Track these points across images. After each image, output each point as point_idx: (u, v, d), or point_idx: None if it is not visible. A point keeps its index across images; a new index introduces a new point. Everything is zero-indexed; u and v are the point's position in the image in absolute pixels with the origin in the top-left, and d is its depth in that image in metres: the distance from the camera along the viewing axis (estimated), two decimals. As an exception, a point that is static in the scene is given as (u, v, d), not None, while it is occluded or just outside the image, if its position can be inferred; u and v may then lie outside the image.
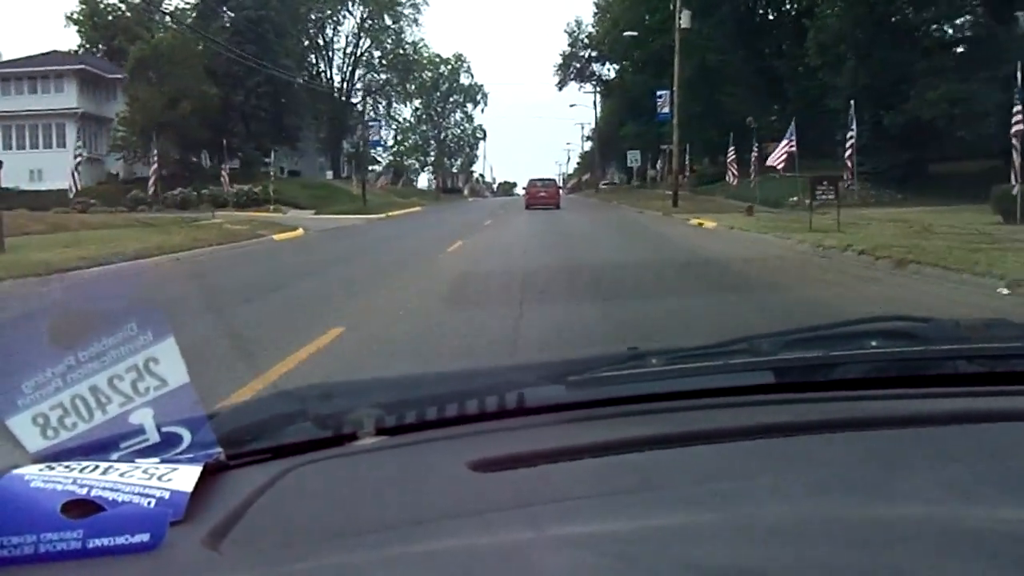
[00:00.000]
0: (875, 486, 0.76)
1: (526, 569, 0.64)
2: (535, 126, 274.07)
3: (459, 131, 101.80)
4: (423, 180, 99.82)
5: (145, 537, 0.69)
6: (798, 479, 0.79)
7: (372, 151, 61.83)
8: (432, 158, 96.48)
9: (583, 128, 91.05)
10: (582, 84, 71.17)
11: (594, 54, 65.83)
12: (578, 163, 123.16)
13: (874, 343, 1.13)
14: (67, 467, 0.75)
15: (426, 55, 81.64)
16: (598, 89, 69.85)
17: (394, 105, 73.61)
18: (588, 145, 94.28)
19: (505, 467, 0.85)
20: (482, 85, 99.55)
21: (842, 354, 1.11)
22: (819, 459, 0.86)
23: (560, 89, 70.94)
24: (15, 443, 0.81)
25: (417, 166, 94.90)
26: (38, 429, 0.82)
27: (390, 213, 34.60)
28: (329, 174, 62.48)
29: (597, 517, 0.71)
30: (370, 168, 63.84)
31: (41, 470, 0.74)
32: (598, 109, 74.37)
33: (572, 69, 69.53)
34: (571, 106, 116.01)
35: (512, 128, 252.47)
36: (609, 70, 65.64)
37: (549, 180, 41.91)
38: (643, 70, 50.86)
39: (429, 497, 0.81)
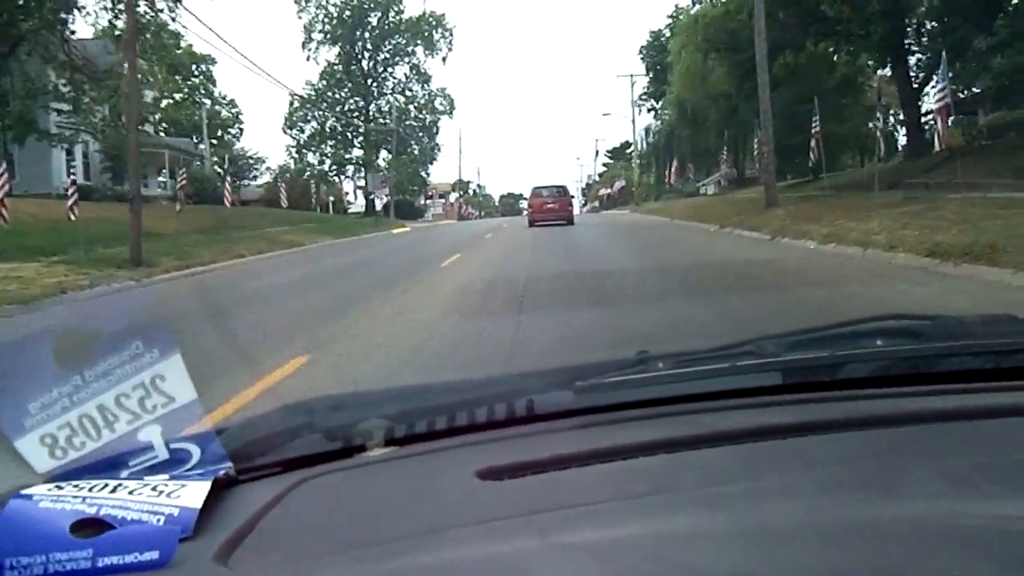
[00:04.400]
0: (883, 484, 0.76)
1: None
2: (549, 121, 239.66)
3: (404, 98, 56.75)
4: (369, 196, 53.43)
5: (155, 555, 0.69)
6: (807, 479, 0.79)
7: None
8: (359, 151, 54.52)
9: (632, 84, 52.26)
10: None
11: None
12: (607, 161, 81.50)
13: (879, 342, 1.13)
14: (76, 486, 0.76)
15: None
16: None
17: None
18: (638, 128, 57.34)
19: (514, 475, 0.85)
20: (442, 16, 56.06)
21: (847, 353, 1.11)
22: (827, 459, 0.86)
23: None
24: (24, 463, 0.82)
25: (328, 166, 54.21)
26: (46, 449, 0.83)
27: None
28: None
29: (607, 523, 0.71)
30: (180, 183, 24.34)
31: (50, 490, 0.75)
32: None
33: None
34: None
35: (518, 126, 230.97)
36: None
37: (558, 188, 31.21)
38: None
39: (438, 507, 0.81)
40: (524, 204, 50.75)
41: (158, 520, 0.72)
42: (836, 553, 0.63)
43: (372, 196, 49.64)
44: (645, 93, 56.41)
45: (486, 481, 0.84)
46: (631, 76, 52.95)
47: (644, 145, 56.25)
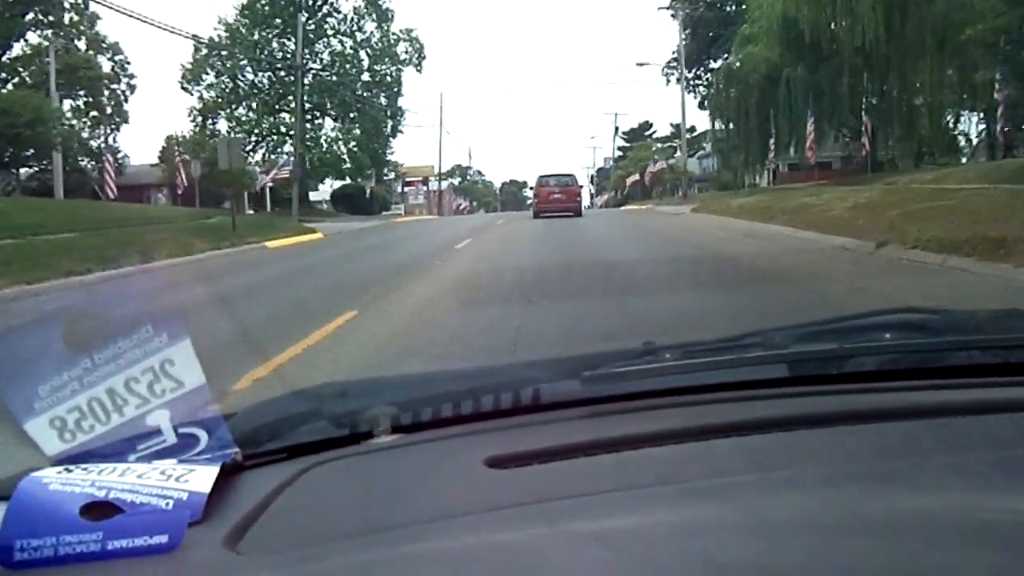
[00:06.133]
0: (891, 478, 0.76)
1: (542, 565, 0.64)
2: (558, 101, 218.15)
3: (351, 41, 40.91)
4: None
5: (164, 538, 0.69)
6: (814, 472, 0.79)
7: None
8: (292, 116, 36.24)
9: (682, 22, 38.26)
10: None
11: None
12: (623, 145, 63.38)
13: (887, 335, 1.13)
14: (85, 469, 0.76)
15: None
16: None
17: None
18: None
19: (521, 463, 0.86)
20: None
21: (856, 346, 1.11)
22: (835, 452, 0.86)
23: None
24: (33, 446, 0.82)
25: (242, 135, 36.41)
26: (55, 432, 0.83)
27: None
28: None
29: (613, 512, 0.72)
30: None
31: (59, 472, 0.75)
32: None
33: None
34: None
35: (524, 105, 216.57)
36: None
37: (566, 176, 28.39)
38: None
39: (445, 494, 0.81)
40: (529, 193, 43.88)
41: (167, 504, 0.72)
42: (846, 545, 0.63)
43: (269, 183, 33.27)
44: (673, 61, 40.49)
45: (494, 469, 0.84)
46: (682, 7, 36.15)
47: (718, 101, 33.28)
